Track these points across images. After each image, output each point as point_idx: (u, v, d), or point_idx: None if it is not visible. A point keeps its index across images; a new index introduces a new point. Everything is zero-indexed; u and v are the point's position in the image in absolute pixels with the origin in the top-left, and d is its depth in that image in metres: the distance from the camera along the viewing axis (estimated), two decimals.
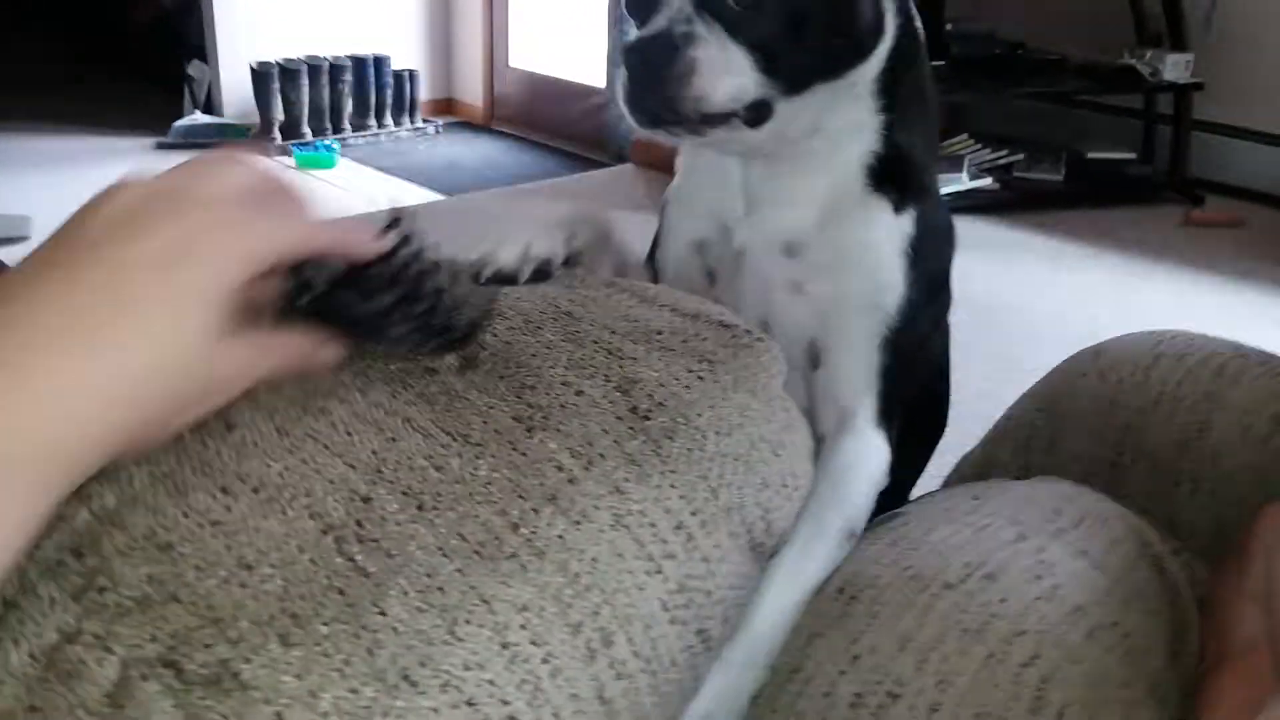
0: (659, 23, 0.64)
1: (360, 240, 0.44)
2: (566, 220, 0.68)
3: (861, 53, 0.67)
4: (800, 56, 0.65)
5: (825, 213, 0.69)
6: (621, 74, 0.65)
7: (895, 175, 0.69)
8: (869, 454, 0.66)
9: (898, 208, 0.69)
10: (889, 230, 0.68)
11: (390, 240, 0.44)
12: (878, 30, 0.67)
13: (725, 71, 0.63)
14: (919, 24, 0.71)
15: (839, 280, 0.68)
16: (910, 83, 0.70)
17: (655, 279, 0.77)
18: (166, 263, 0.36)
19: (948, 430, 0.89)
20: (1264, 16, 3.54)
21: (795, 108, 0.66)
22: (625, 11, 0.69)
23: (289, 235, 0.41)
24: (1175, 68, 3.51)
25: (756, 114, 0.65)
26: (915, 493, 0.76)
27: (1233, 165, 3.69)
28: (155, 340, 0.34)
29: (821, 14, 0.65)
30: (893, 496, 0.68)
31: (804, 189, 0.69)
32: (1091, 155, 3.72)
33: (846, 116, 0.68)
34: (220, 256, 0.37)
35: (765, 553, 0.50)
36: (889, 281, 0.68)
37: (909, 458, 0.69)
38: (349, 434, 0.40)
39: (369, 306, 0.43)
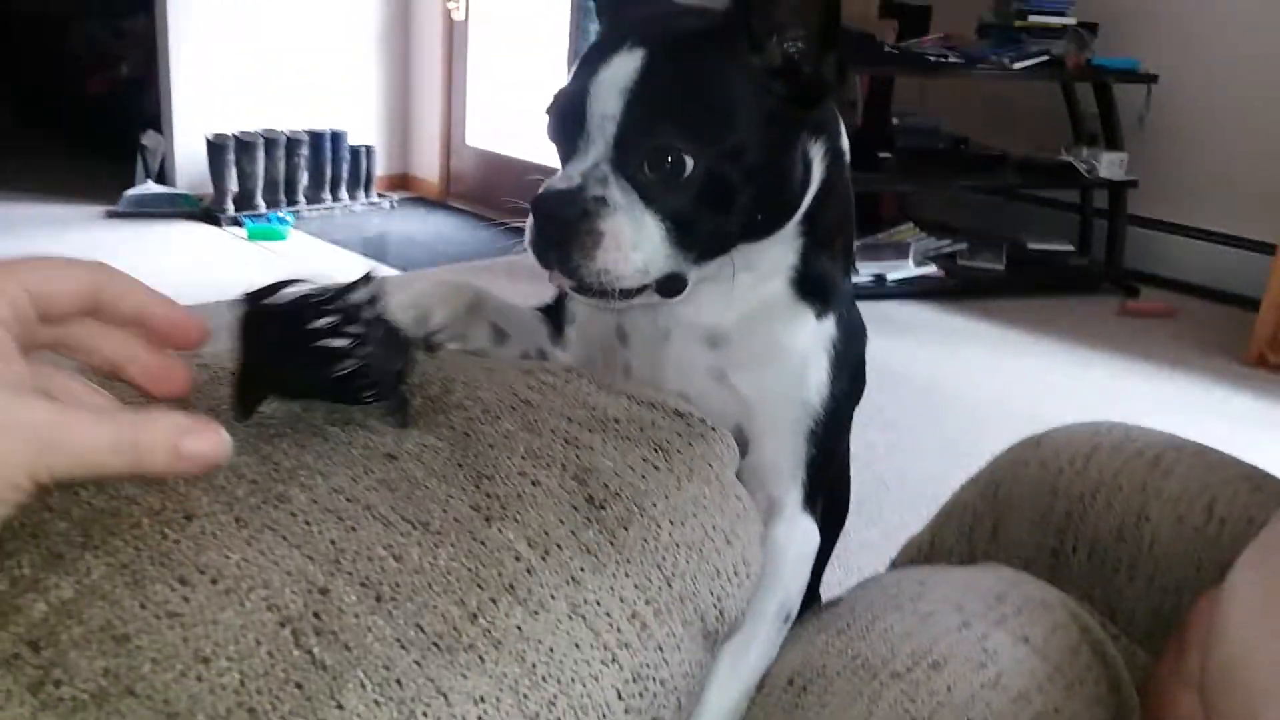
0: (572, 175, 0.60)
1: (166, 305, 0.42)
2: (421, 296, 0.64)
3: (789, 211, 0.66)
4: (721, 227, 0.62)
5: (749, 311, 0.69)
6: (530, 222, 0.62)
7: (817, 286, 0.69)
8: (798, 538, 0.66)
9: (820, 314, 0.69)
10: (814, 334, 0.69)
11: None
12: (805, 183, 0.66)
13: (633, 247, 0.59)
14: (845, 142, 0.70)
15: (764, 376, 0.68)
16: (833, 204, 0.69)
17: (558, 330, 0.75)
18: None
19: (894, 511, 0.91)
20: (1196, 117, 3.74)
21: (715, 265, 0.64)
22: (548, 135, 0.66)
23: (70, 273, 0.40)
24: (1111, 166, 3.67)
25: (669, 286, 0.62)
26: (860, 575, 0.77)
27: (1166, 258, 3.85)
28: None
29: (747, 187, 0.62)
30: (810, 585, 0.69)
31: (727, 304, 0.69)
32: (1032, 246, 3.85)
33: (772, 255, 0.67)
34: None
35: (717, 639, 0.50)
36: (815, 381, 0.68)
37: (824, 536, 0.71)
38: (308, 523, 0.41)
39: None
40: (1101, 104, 3.70)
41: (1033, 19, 3.62)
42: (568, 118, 0.62)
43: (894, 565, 0.92)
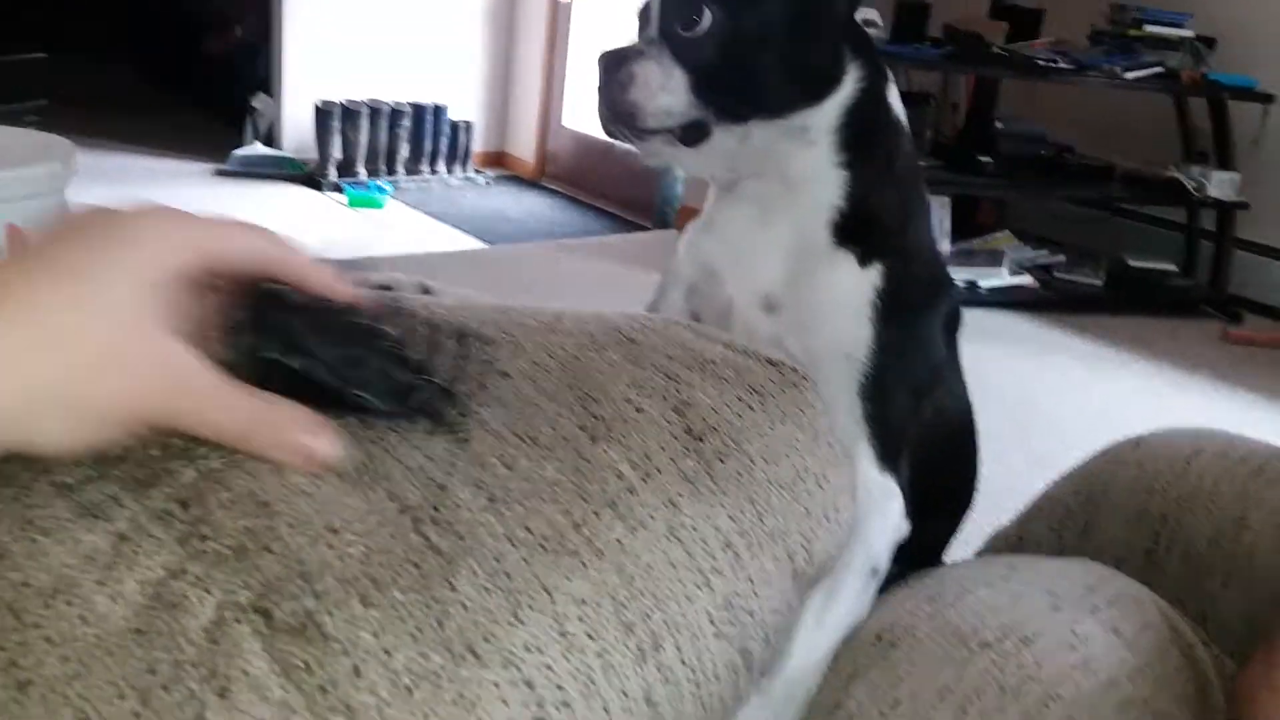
0: (631, 40, 0.72)
1: (326, 276, 0.42)
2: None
3: (808, 96, 0.70)
4: (737, 86, 0.70)
5: (794, 267, 0.71)
6: (595, 79, 0.73)
7: (861, 232, 0.70)
8: (875, 493, 0.66)
9: (863, 261, 0.70)
10: (855, 282, 0.70)
11: (359, 292, 0.42)
12: (829, 79, 0.70)
13: (660, 89, 0.69)
14: (895, 100, 0.74)
15: (811, 336, 0.70)
16: (880, 145, 0.72)
17: None
18: (103, 236, 0.36)
19: (976, 517, 0.90)
20: None
21: (735, 137, 0.70)
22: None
23: (243, 240, 0.39)
24: (1221, 185, 3.54)
25: (692, 134, 0.70)
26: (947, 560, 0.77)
27: (1274, 285, 3.70)
28: (80, 305, 0.34)
29: (765, 50, 0.69)
30: (924, 555, 0.69)
31: (770, 238, 0.72)
32: (1133, 263, 3.74)
33: (802, 162, 0.71)
34: (163, 238, 0.36)
35: (807, 581, 0.51)
36: (857, 333, 0.69)
37: (937, 516, 0.70)
38: (425, 430, 0.43)
39: (331, 353, 0.39)
40: (1215, 121, 3.58)
41: (1148, 29, 3.51)
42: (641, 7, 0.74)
43: (979, 555, 0.91)
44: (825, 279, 0.70)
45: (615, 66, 0.70)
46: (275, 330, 0.39)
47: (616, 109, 0.70)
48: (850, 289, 0.69)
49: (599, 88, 0.72)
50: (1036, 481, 0.91)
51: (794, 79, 0.70)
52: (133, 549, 0.33)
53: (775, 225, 0.72)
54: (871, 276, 0.70)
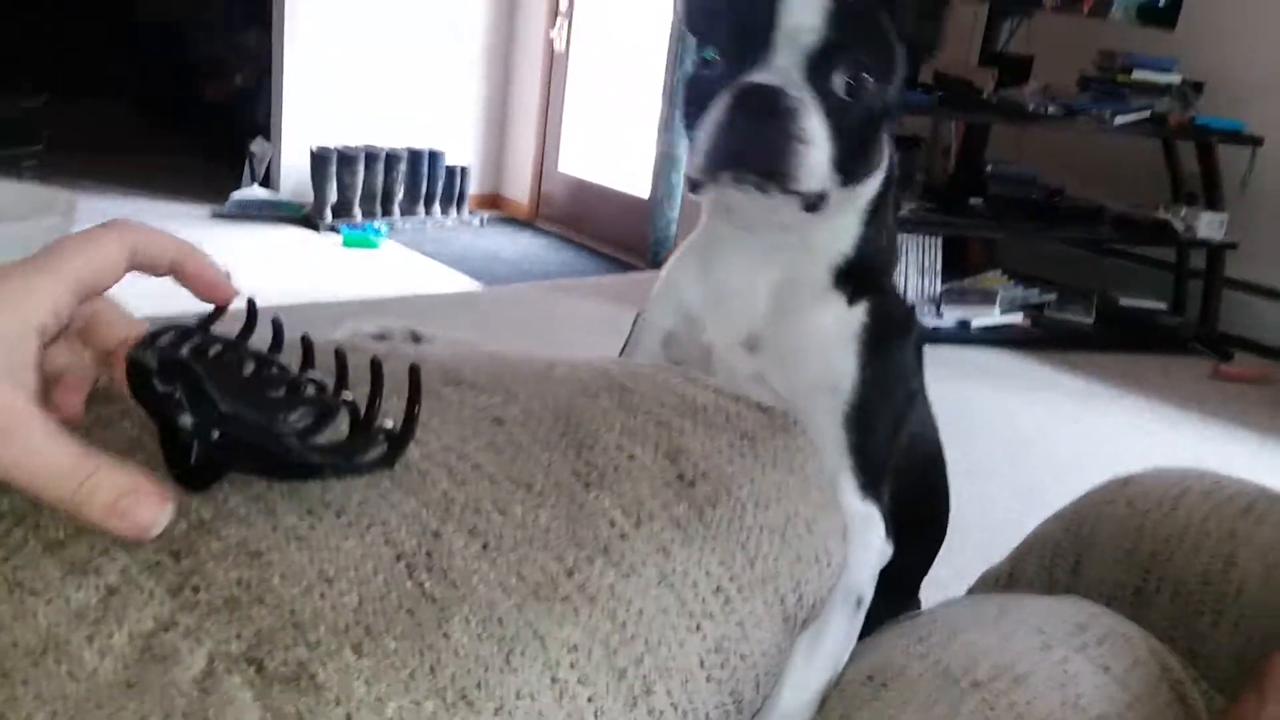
0: (768, 75, 0.63)
1: (217, 278, 0.42)
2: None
3: (873, 171, 0.70)
4: (860, 156, 0.67)
5: (780, 305, 0.71)
6: (721, 110, 0.63)
7: (854, 276, 0.72)
8: (857, 523, 0.66)
9: (851, 300, 0.71)
10: (842, 320, 0.70)
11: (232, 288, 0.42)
12: (886, 156, 0.71)
13: (822, 154, 0.63)
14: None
15: (796, 370, 0.70)
16: (887, 206, 0.73)
17: None
18: None
19: (968, 553, 0.91)
20: None
21: (838, 200, 0.68)
22: (699, 32, 0.68)
23: (92, 251, 0.39)
24: (1210, 226, 3.58)
25: (815, 202, 0.65)
26: (936, 599, 0.78)
27: (1262, 323, 3.73)
28: None
29: (883, 126, 0.69)
30: (901, 586, 0.69)
31: (762, 280, 0.72)
32: (1123, 302, 3.77)
33: (832, 222, 0.70)
34: (24, 294, 0.36)
35: (796, 625, 0.51)
36: (843, 367, 0.69)
37: (914, 546, 0.70)
38: (422, 474, 0.43)
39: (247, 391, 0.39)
40: (1204, 164, 3.63)
41: (1137, 74, 3.56)
42: (746, 18, 0.65)
43: (971, 593, 0.92)
44: (814, 317, 0.71)
45: (777, 113, 0.62)
46: (190, 403, 0.37)
47: (775, 161, 0.62)
48: (838, 326, 0.70)
49: (737, 126, 0.63)
50: (1028, 517, 0.92)
51: (873, 160, 0.70)
52: (122, 602, 0.34)
53: (771, 268, 0.72)
54: (858, 314, 0.71)
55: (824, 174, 0.64)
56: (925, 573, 0.83)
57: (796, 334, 0.71)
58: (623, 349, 0.80)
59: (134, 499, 0.36)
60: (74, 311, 0.39)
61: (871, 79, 0.64)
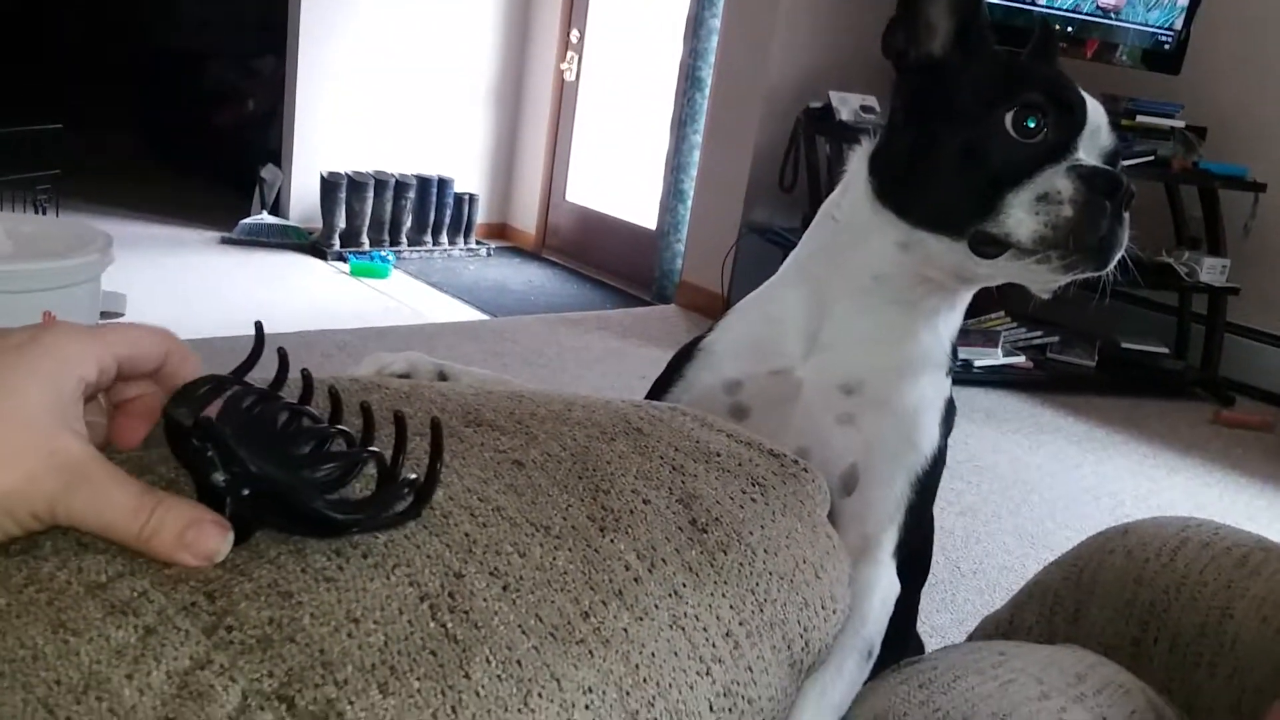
0: (1095, 160, 0.72)
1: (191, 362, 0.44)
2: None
3: None
4: None
5: (891, 359, 0.76)
6: (1081, 189, 0.69)
7: (953, 346, 0.79)
8: (884, 581, 0.70)
9: (949, 371, 0.78)
10: (938, 388, 0.77)
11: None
12: None
13: None
14: None
15: (889, 419, 0.74)
16: None
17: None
18: (15, 352, 0.38)
19: (968, 598, 0.92)
20: None
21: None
22: (1017, 127, 0.72)
23: (139, 341, 0.42)
24: (1212, 271, 3.61)
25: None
26: (937, 644, 0.79)
27: (1265, 369, 3.75)
28: None
29: None
30: (897, 621, 0.71)
31: (884, 331, 0.76)
32: (1125, 345, 3.79)
33: (969, 294, 0.78)
34: (68, 350, 0.39)
35: (803, 670, 0.53)
36: (930, 431, 0.75)
37: (907, 593, 0.73)
38: (445, 516, 0.45)
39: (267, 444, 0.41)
40: (1206, 209, 3.66)
41: (1141, 119, 3.60)
42: (1069, 116, 0.73)
43: (971, 639, 0.93)
44: (922, 378, 0.76)
45: (1131, 199, 0.70)
46: (222, 461, 0.39)
47: (1121, 247, 0.71)
48: (934, 393, 0.77)
49: (1120, 218, 0.70)
50: (1028, 560, 0.93)
51: None
52: (160, 641, 0.35)
53: (897, 324, 0.76)
54: (947, 387, 0.78)
55: None
56: (917, 606, 0.85)
57: (901, 391, 0.75)
58: (665, 383, 0.81)
59: (198, 530, 0.38)
60: (146, 365, 0.43)
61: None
